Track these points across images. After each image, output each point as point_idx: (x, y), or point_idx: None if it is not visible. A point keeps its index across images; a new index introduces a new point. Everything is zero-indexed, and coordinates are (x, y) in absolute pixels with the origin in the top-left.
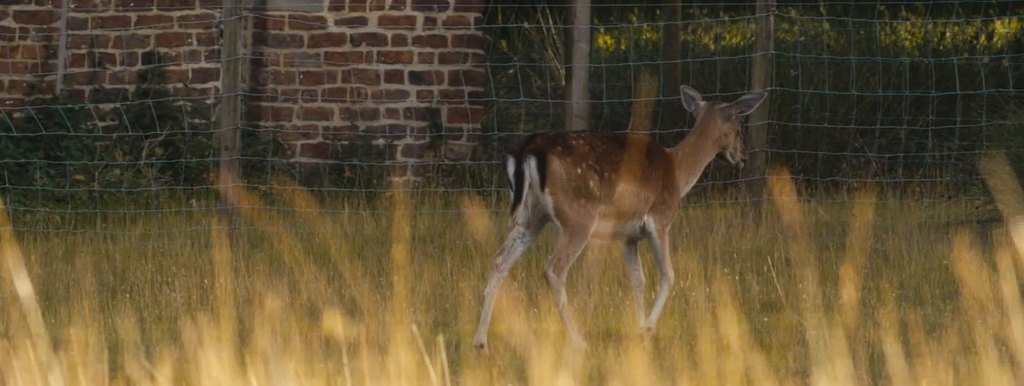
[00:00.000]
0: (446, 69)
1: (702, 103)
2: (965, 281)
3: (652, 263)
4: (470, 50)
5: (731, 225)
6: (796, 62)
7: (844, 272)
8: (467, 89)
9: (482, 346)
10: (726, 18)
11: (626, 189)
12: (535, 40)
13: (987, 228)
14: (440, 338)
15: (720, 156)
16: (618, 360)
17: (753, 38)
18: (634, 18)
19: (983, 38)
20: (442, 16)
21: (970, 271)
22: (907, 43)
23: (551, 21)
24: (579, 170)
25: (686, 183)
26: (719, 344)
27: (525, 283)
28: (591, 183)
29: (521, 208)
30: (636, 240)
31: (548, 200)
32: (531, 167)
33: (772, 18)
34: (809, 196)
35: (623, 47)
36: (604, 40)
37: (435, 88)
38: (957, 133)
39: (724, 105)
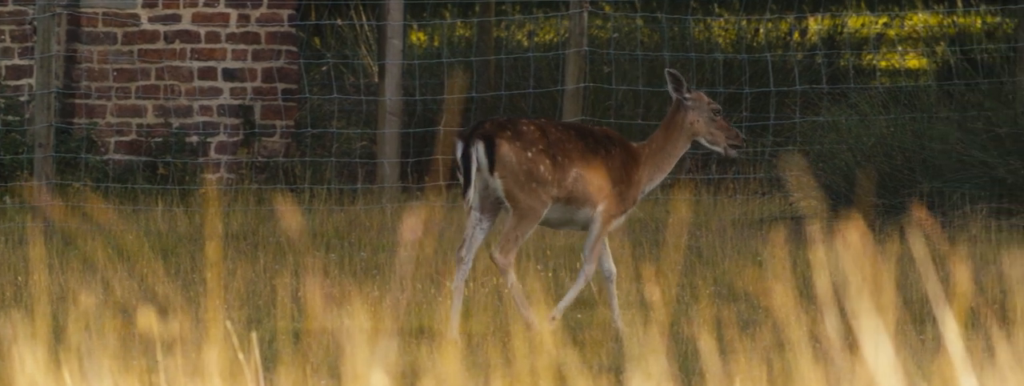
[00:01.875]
0: (260, 66)
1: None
2: (779, 277)
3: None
4: (284, 47)
5: None
6: (609, 58)
7: (658, 269)
8: (281, 86)
9: (456, 341)
10: (539, 14)
11: (579, 175)
12: (348, 37)
13: (801, 224)
14: (254, 335)
15: (710, 143)
16: (431, 357)
17: (566, 34)
18: (447, 15)
19: (797, 35)
20: (256, 13)
21: (784, 268)
22: (720, 39)
23: (364, 18)
24: (529, 154)
25: (651, 178)
26: (532, 341)
27: (338, 280)
28: (542, 167)
29: (471, 192)
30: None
31: (498, 184)
32: (479, 151)
33: (585, 14)
34: None
35: (436, 44)
36: (417, 37)
37: (249, 85)
38: (771, 129)
39: (687, 95)
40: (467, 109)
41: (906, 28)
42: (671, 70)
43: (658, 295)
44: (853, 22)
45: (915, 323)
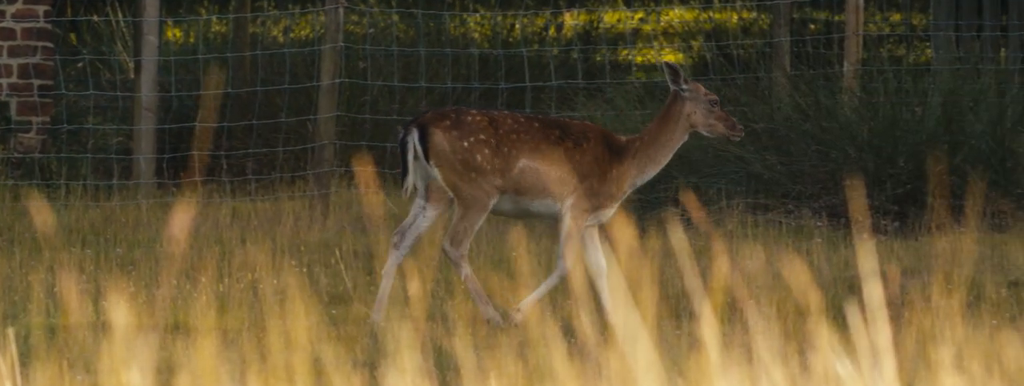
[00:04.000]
0: (15, 62)
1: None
2: (533, 272)
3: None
4: (39, 43)
5: (300, 218)
6: (365, 54)
7: (413, 265)
8: (37, 82)
9: (376, 323)
10: (295, 10)
11: (527, 166)
12: (104, 33)
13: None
14: (10, 331)
15: (709, 133)
16: (187, 353)
17: (322, 30)
18: (203, 11)
19: (552, 30)
20: (11, 9)
21: (538, 263)
22: (476, 35)
23: (120, 14)
24: (465, 143)
25: (643, 171)
26: (288, 336)
27: (94, 276)
28: (479, 157)
29: (409, 179)
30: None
31: (435, 172)
32: (413, 139)
33: (341, 10)
34: (379, 188)
35: (192, 40)
36: (173, 33)
37: (4, 81)
38: None
39: (685, 86)
40: (223, 105)
41: (662, 23)
42: (668, 62)
43: (414, 290)
44: (609, 17)
45: (673, 318)
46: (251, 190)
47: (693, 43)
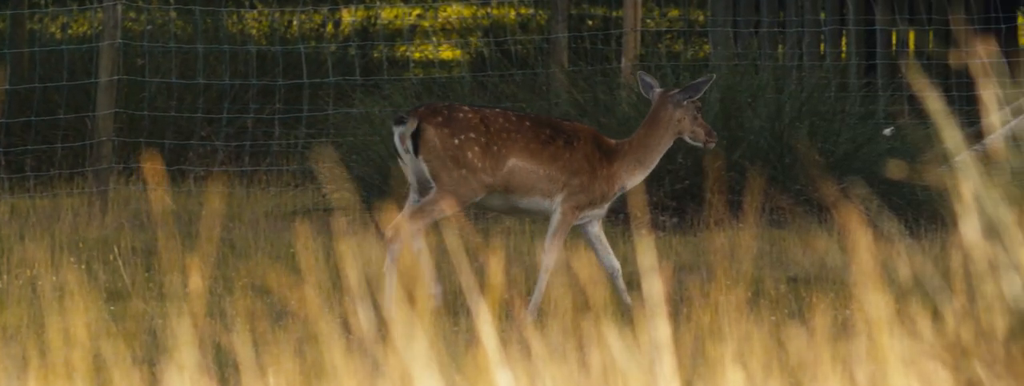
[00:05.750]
0: None
1: (658, 91)
2: (311, 269)
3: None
4: None
5: (78, 214)
6: (143, 51)
7: (192, 261)
8: None
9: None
10: (73, 7)
11: (518, 166)
12: None
13: (331, 216)
14: None
15: (692, 140)
16: None
17: (100, 27)
18: None
19: (330, 26)
20: None
21: (317, 259)
22: (254, 31)
23: None
24: (457, 140)
25: (631, 174)
26: (67, 333)
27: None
28: (470, 154)
29: (408, 173)
30: (587, 228)
31: (423, 166)
32: (403, 131)
33: (119, 7)
34: (157, 185)
35: None
36: None
37: None
38: (304, 121)
39: (674, 92)
40: (1, 102)
41: (440, 19)
42: (643, 74)
43: (192, 286)
44: (387, 14)
45: (450, 315)
46: (29, 187)
47: (471, 39)
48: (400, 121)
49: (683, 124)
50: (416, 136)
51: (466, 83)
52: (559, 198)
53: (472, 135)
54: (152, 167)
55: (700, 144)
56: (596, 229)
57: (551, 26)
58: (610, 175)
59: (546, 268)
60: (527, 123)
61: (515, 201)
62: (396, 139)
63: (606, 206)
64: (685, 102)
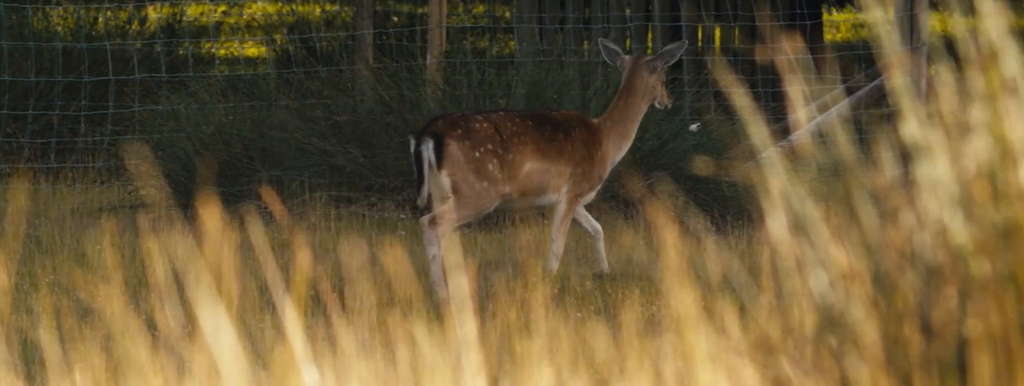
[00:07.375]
0: None
1: (627, 57)
2: (117, 266)
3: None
4: None
5: None
6: None
7: None
8: None
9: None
10: None
11: (533, 168)
12: None
13: (137, 213)
14: None
15: (658, 104)
16: None
17: None
18: None
19: (136, 23)
20: None
21: (123, 256)
22: (59, 28)
23: None
24: (478, 153)
25: (618, 148)
26: None
27: None
28: (490, 166)
29: (425, 190)
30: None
31: (446, 181)
32: (428, 149)
33: None
34: None
35: None
36: None
37: None
38: (110, 118)
39: (648, 58)
40: None
41: (245, 16)
42: (604, 41)
43: None
44: (192, 11)
45: (256, 311)
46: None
47: (276, 36)
48: (423, 138)
49: (657, 89)
50: (437, 150)
51: (271, 80)
52: (564, 189)
53: (490, 146)
54: None
55: (661, 106)
56: None
57: (356, 23)
58: (603, 156)
59: (555, 254)
60: (529, 123)
61: (531, 201)
62: (424, 156)
63: (599, 187)
64: (660, 68)
